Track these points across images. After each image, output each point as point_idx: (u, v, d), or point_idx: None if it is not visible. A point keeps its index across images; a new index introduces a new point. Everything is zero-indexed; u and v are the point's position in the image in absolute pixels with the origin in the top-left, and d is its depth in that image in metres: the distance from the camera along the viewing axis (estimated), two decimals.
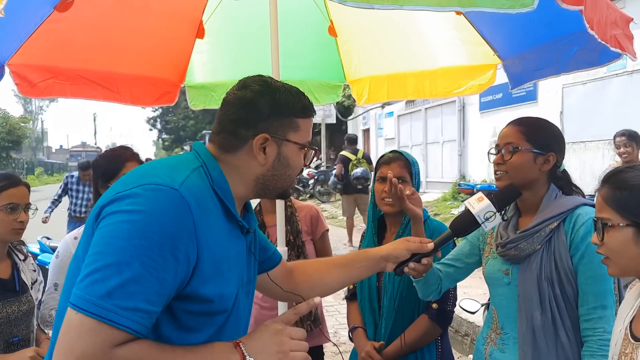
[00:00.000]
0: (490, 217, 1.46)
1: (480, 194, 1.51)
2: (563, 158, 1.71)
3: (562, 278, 1.59)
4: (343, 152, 9.42)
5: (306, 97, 1.27)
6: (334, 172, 9.79)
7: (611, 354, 1.32)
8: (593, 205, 1.62)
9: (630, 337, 1.25)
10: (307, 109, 1.26)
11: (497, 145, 1.72)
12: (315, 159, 18.48)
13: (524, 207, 1.71)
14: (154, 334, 1.07)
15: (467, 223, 1.50)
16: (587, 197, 1.73)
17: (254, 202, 2.76)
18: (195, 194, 1.08)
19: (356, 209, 9.17)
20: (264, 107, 1.20)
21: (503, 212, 1.49)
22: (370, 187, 9.37)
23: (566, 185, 1.73)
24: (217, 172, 1.18)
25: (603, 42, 1.62)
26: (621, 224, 1.21)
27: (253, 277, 1.33)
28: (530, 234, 1.63)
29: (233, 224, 1.20)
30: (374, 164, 2.17)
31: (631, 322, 1.28)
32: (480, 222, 1.47)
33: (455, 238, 1.56)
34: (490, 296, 1.83)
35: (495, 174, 1.71)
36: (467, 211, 1.49)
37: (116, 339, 0.98)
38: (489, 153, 1.77)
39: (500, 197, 1.51)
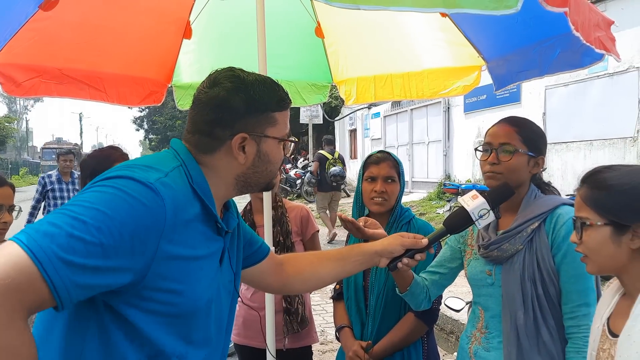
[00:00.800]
0: (484, 214, 1.48)
1: (474, 192, 1.52)
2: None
3: (545, 277, 1.61)
4: (321, 152, 10.22)
5: (281, 88, 1.24)
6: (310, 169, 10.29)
7: (590, 350, 1.35)
8: (572, 205, 1.65)
9: (608, 333, 1.28)
10: (283, 101, 1.23)
11: (488, 144, 1.69)
12: (302, 159, 18.51)
13: (505, 207, 1.70)
14: (125, 338, 1.03)
15: (461, 220, 1.51)
16: (567, 196, 1.75)
17: (245, 201, 2.76)
18: (172, 191, 1.05)
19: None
20: (239, 105, 1.16)
21: (496, 210, 1.52)
22: (343, 185, 10.18)
23: (541, 183, 1.75)
24: (197, 172, 1.15)
25: (587, 44, 1.64)
26: (599, 223, 1.24)
27: (235, 277, 1.31)
28: (512, 234, 1.65)
29: (211, 224, 1.17)
30: (362, 163, 2.18)
31: (609, 318, 1.31)
32: (474, 219, 1.48)
33: (448, 235, 1.57)
34: (473, 296, 1.84)
35: (486, 173, 1.69)
36: (461, 208, 1.50)
37: (33, 287, 0.86)
38: (476, 150, 1.75)
39: (494, 195, 1.53)
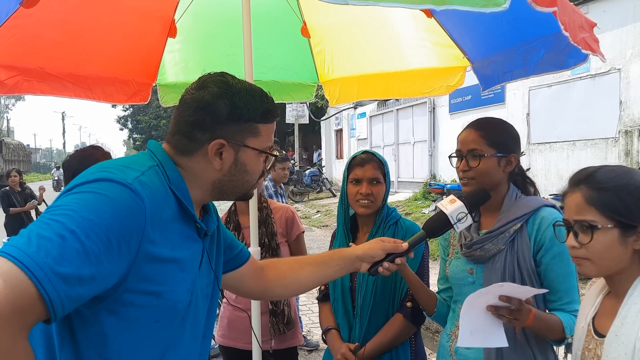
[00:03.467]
0: (462, 218, 1.50)
1: (452, 196, 1.55)
2: (520, 155, 1.76)
3: (525, 277, 1.64)
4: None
5: (269, 100, 1.23)
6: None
7: (574, 350, 1.35)
8: (552, 206, 1.68)
9: (593, 333, 1.29)
10: (269, 114, 1.22)
11: (459, 151, 1.73)
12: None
13: (487, 207, 1.71)
14: (101, 342, 1.03)
15: (440, 224, 1.52)
16: (550, 196, 1.79)
17: (230, 202, 2.75)
18: (150, 190, 1.05)
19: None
20: (222, 111, 1.15)
21: (474, 213, 1.53)
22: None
23: (521, 179, 1.78)
24: (174, 172, 1.15)
25: (575, 44, 1.65)
26: (609, 226, 1.19)
27: (214, 280, 1.29)
28: (495, 235, 1.68)
29: (190, 225, 1.16)
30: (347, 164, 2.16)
31: (593, 318, 1.31)
32: (452, 222, 1.50)
33: (428, 239, 1.58)
34: (454, 295, 1.86)
35: (461, 179, 1.73)
36: (440, 212, 1.52)
37: (32, 308, 0.86)
38: (450, 157, 1.79)
39: (472, 199, 1.55)
